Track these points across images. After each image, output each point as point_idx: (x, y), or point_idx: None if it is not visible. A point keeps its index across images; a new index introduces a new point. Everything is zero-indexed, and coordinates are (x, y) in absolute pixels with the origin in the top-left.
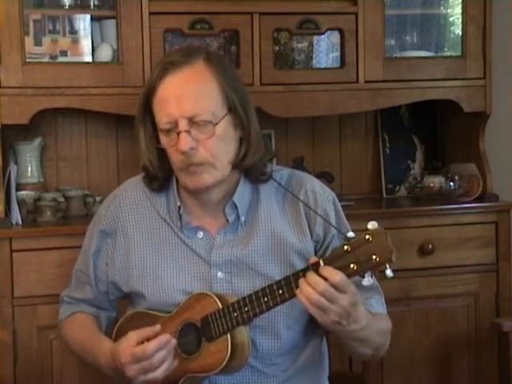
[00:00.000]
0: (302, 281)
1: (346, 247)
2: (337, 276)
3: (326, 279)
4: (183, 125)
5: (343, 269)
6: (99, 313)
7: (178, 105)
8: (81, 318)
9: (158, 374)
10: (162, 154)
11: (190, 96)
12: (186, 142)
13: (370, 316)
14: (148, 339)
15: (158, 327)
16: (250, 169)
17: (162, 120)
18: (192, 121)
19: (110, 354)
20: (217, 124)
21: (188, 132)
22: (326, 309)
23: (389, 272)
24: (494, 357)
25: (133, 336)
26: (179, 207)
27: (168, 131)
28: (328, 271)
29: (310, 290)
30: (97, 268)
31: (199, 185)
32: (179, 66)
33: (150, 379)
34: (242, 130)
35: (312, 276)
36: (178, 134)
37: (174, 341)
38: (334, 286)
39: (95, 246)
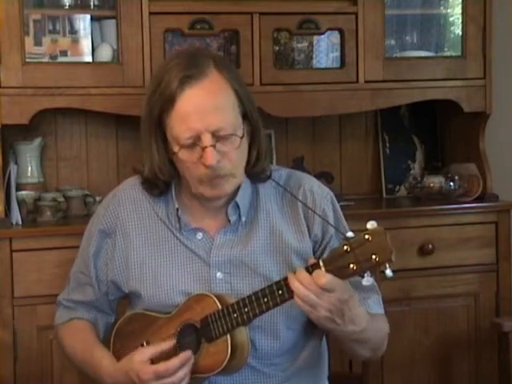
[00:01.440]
0: (290, 276)
1: (345, 247)
2: (321, 279)
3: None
4: (208, 139)
5: (343, 269)
6: (97, 318)
7: (200, 118)
8: (78, 327)
9: None
10: (172, 162)
11: (211, 109)
12: (212, 157)
13: (369, 318)
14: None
15: (171, 343)
16: (259, 172)
17: (184, 135)
18: (215, 135)
19: (120, 371)
20: (243, 137)
21: (214, 146)
22: (314, 304)
23: (388, 272)
24: (494, 357)
25: (145, 352)
26: (177, 209)
27: (190, 146)
28: (316, 273)
29: (299, 284)
30: (97, 268)
31: (220, 194)
32: (196, 78)
33: None
34: (251, 136)
35: (301, 272)
36: (203, 148)
37: (193, 358)
38: (319, 286)
39: (95, 247)
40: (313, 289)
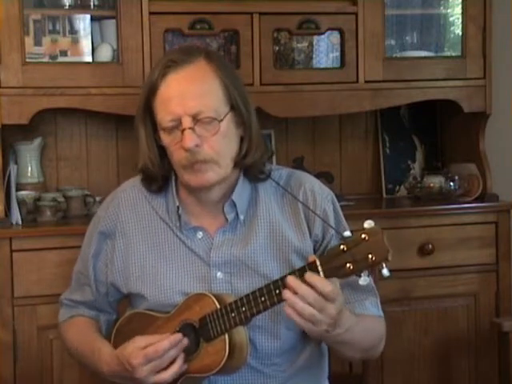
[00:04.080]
0: (289, 295)
1: (342, 246)
2: (328, 287)
3: (313, 287)
4: (187, 122)
5: (340, 268)
6: (99, 316)
7: (181, 102)
8: (79, 322)
9: (168, 375)
10: (163, 153)
11: (193, 93)
12: (190, 139)
13: (353, 318)
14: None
15: (166, 335)
16: (249, 167)
17: (165, 118)
18: (196, 118)
19: (115, 359)
20: (221, 121)
21: (192, 129)
22: (317, 321)
23: (385, 271)
24: (494, 357)
25: (140, 340)
26: (178, 207)
27: (171, 129)
28: (319, 281)
29: (302, 304)
30: (96, 269)
31: (203, 182)
32: (181, 65)
33: (160, 380)
34: (243, 128)
35: (300, 287)
36: (182, 131)
37: (185, 340)
38: (323, 295)
39: (95, 248)
40: (317, 304)
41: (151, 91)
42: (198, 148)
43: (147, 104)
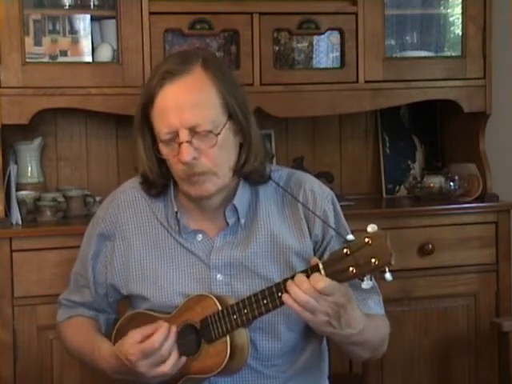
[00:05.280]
0: (289, 282)
1: (345, 250)
2: (320, 283)
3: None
4: (184, 135)
5: (342, 272)
6: (98, 316)
7: (178, 114)
8: (78, 322)
9: (167, 367)
10: (162, 162)
11: (190, 105)
12: (187, 153)
13: (366, 319)
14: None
15: (159, 323)
16: (249, 174)
17: (162, 130)
18: (193, 131)
19: (114, 356)
20: (219, 134)
21: (189, 142)
22: (313, 309)
23: (388, 276)
24: (494, 357)
25: (135, 334)
26: (176, 213)
27: (168, 142)
28: (314, 277)
29: (298, 290)
30: (95, 271)
31: (202, 193)
32: (177, 75)
33: (160, 373)
34: (242, 136)
35: (299, 277)
36: (180, 144)
37: (173, 328)
38: (316, 290)
39: (94, 249)
40: (312, 294)
41: (148, 101)
42: (195, 161)
43: (144, 114)
